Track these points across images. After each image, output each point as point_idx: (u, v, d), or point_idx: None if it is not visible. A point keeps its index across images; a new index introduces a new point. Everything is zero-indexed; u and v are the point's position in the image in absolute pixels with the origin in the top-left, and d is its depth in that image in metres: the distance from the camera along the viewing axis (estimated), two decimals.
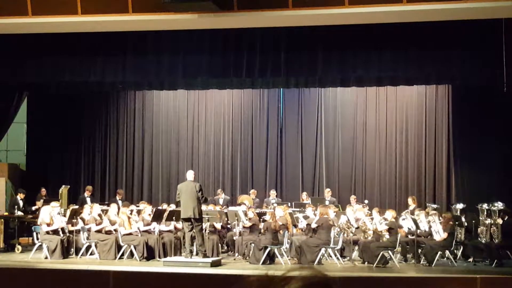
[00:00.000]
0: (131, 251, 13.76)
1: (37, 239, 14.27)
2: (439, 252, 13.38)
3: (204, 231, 13.56)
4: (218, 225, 14.90)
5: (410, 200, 16.49)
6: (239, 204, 16.20)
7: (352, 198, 17.20)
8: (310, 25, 13.57)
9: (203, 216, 13.39)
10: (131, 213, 14.70)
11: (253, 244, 13.54)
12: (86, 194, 17.64)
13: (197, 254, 13.04)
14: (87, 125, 20.03)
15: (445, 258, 13.70)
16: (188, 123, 19.92)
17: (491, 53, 13.20)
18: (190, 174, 13.64)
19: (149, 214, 14.59)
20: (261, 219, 14.66)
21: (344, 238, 13.96)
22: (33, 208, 16.62)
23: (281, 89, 19.08)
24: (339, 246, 13.64)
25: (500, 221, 14.06)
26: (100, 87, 17.30)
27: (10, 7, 13.22)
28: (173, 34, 14.30)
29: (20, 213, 16.14)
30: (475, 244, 14.21)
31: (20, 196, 16.79)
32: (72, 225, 14.39)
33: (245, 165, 19.58)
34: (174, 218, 14.18)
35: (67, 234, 14.33)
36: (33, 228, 14.81)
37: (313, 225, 13.54)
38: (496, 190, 16.67)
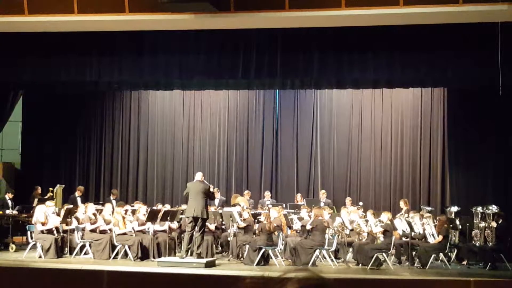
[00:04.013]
0: (125, 251, 13.74)
1: (31, 238, 14.24)
2: (433, 255, 13.41)
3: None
4: (212, 226, 14.89)
5: (402, 203, 16.49)
6: (234, 205, 16.18)
7: (348, 200, 17.19)
8: (306, 27, 13.59)
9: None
10: (125, 213, 14.68)
11: (247, 245, 13.54)
12: (77, 194, 17.55)
13: (191, 255, 13.03)
14: (82, 125, 20.01)
15: (439, 261, 13.73)
16: (184, 124, 19.90)
17: (487, 56, 13.22)
18: (198, 175, 13.66)
19: (144, 214, 14.58)
20: (256, 220, 14.67)
21: (338, 240, 13.98)
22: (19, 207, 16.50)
23: (277, 90, 19.07)
24: (333, 248, 13.65)
25: (494, 224, 14.09)
26: (96, 87, 17.23)
27: (6, 5, 13.20)
28: (169, 34, 14.29)
29: (8, 212, 16.06)
30: (469, 247, 14.25)
31: (8, 196, 16.71)
32: (67, 224, 14.36)
33: (240, 166, 19.57)
34: (168, 218, 14.17)
35: (61, 234, 14.31)
36: (27, 227, 14.78)
37: (308, 227, 13.54)
38: (491, 193, 16.71)
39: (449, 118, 17.98)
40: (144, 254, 13.63)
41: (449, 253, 14.12)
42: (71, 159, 19.80)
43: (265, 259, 13.39)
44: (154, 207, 15.45)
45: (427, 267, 13.16)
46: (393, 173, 18.56)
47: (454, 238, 14.50)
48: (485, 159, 17.16)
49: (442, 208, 16.99)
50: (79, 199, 17.16)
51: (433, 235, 13.77)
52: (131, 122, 20.09)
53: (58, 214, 14.72)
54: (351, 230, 14.47)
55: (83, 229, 14.13)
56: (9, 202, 16.50)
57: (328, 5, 12.48)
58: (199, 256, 12.94)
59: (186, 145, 19.86)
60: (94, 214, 14.57)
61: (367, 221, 14.25)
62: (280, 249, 13.84)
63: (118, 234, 13.84)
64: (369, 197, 18.48)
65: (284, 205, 16.35)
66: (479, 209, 14.66)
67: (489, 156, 17.13)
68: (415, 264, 13.56)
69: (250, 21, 13.16)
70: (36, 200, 16.39)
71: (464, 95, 17.25)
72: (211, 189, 13.63)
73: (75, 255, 13.99)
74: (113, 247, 13.79)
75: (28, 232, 14.54)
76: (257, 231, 13.87)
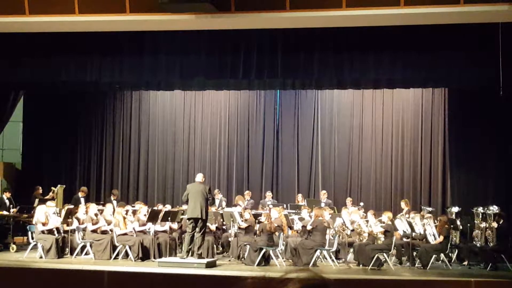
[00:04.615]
0: (126, 251, 13.74)
1: (32, 238, 14.24)
2: (434, 255, 13.39)
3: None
4: (213, 226, 14.89)
5: (403, 204, 16.49)
6: (235, 205, 16.18)
7: (348, 200, 17.18)
8: (307, 27, 13.58)
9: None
10: (126, 213, 14.68)
11: (248, 246, 13.53)
12: (80, 195, 17.56)
13: (192, 255, 13.03)
14: (83, 125, 20.02)
15: (440, 261, 13.71)
16: (185, 124, 19.91)
17: (488, 57, 13.24)
18: (199, 177, 13.67)
19: (145, 215, 14.58)
20: (257, 221, 14.67)
21: (339, 240, 13.97)
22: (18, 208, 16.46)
23: (278, 90, 19.08)
24: (334, 248, 13.64)
25: (495, 224, 14.09)
26: (97, 87, 17.25)
27: (7, 6, 13.20)
28: (170, 35, 14.30)
29: (5, 212, 16.04)
30: (470, 247, 14.24)
31: (6, 195, 16.68)
32: (67, 225, 14.36)
33: (241, 167, 19.57)
34: (169, 218, 14.17)
35: (62, 234, 14.31)
36: (28, 227, 14.77)
37: (308, 227, 13.53)
38: (492, 193, 16.72)
39: (450, 119, 17.98)
40: (144, 254, 13.62)
41: (450, 254, 14.11)
42: (71, 159, 19.80)
43: (265, 260, 13.38)
44: (155, 208, 15.44)
45: (428, 268, 13.15)
46: (394, 173, 18.57)
47: (455, 238, 14.49)
48: (486, 159, 17.16)
49: (443, 209, 17.00)
50: (82, 200, 17.17)
51: (434, 235, 13.76)
52: (131, 122, 20.10)
53: (59, 215, 14.72)
54: (352, 230, 14.47)
55: (84, 230, 14.13)
56: (7, 202, 16.47)
57: (329, 5, 12.47)
58: (200, 256, 12.95)
59: (186, 146, 19.87)
60: (96, 215, 14.57)
61: (367, 221, 14.24)
62: (281, 250, 13.84)
63: (119, 235, 13.83)
64: (370, 197, 18.48)
65: (285, 206, 16.35)
66: (480, 209, 14.66)
67: (490, 157, 17.14)
68: (416, 265, 13.55)
69: (250, 22, 13.15)
70: (37, 200, 16.38)
71: (464, 96, 17.26)
72: (212, 194, 13.60)
73: (76, 255, 13.98)
74: (113, 247, 13.79)
75: (29, 233, 14.54)
76: (257, 232, 13.87)
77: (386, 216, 13.78)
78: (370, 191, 18.68)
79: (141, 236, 14.04)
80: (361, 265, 13.35)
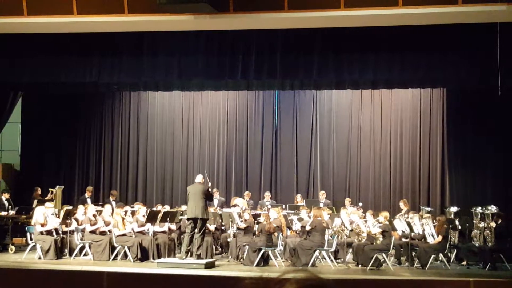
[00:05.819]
0: (125, 252, 13.74)
1: (31, 239, 14.23)
2: (433, 255, 13.41)
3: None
4: (212, 227, 14.89)
5: (401, 204, 16.50)
6: (234, 206, 16.17)
7: (347, 200, 17.19)
8: (305, 27, 13.59)
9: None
10: (125, 214, 14.69)
11: (247, 246, 13.54)
12: (87, 195, 17.64)
13: (191, 256, 13.03)
14: (82, 126, 20.00)
15: (439, 261, 13.72)
16: (183, 125, 19.90)
17: (486, 57, 13.23)
18: (199, 178, 13.68)
19: (144, 215, 14.57)
20: (256, 221, 14.67)
21: (338, 240, 13.97)
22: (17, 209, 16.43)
23: (276, 91, 19.08)
24: (333, 249, 13.65)
25: (493, 224, 14.09)
26: (95, 88, 17.25)
27: (5, 7, 13.20)
28: (168, 35, 14.30)
29: (3, 213, 16.02)
30: (468, 247, 14.24)
31: (5, 196, 16.66)
32: (66, 226, 14.36)
33: (240, 167, 19.57)
34: (168, 219, 14.16)
35: (61, 235, 14.30)
36: (26, 228, 14.77)
37: (307, 228, 13.53)
38: (490, 193, 16.73)
39: (448, 118, 18.00)
40: (143, 255, 13.63)
41: (449, 254, 14.11)
42: (70, 160, 19.79)
43: (264, 260, 13.39)
44: (154, 208, 15.43)
45: (426, 268, 13.16)
46: (392, 173, 18.57)
47: (453, 238, 14.49)
48: (484, 159, 17.18)
49: (442, 209, 17.01)
50: (89, 200, 17.21)
51: (432, 235, 13.77)
52: (130, 123, 20.09)
53: (58, 216, 14.71)
54: (351, 230, 14.47)
55: (83, 230, 14.13)
56: (6, 203, 16.44)
57: (327, 5, 12.48)
58: (199, 257, 12.94)
59: (185, 146, 19.86)
60: (94, 215, 14.57)
61: (366, 221, 14.25)
62: (280, 250, 13.84)
63: (118, 235, 13.83)
64: (368, 197, 18.48)
65: (283, 206, 16.34)
66: (479, 209, 14.66)
67: (488, 156, 17.16)
68: (415, 265, 13.55)
69: (249, 22, 13.16)
70: (35, 201, 16.36)
71: (463, 95, 17.29)
72: (210, 190, 13.61)
73: (75, 256, 13.99)
74: (112, 248, 13.79)
75: (28, 234, 14.53)
76: (256, 232, 13.88)
77: (383, 217, 13.80)
78: (368, 191, 18.68)
79: (140, 236, 14.04)
80: (360, 265, 13.36)
